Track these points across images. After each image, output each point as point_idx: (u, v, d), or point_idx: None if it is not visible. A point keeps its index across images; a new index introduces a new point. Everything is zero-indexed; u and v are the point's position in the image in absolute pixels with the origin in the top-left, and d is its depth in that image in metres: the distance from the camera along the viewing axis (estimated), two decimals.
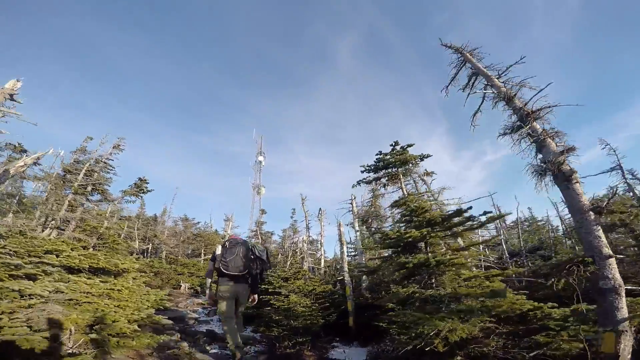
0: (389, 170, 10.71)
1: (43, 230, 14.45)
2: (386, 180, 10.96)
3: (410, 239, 4.97)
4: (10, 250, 8.41)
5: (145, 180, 17.92)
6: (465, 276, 4.71)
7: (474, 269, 7.23)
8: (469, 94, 8.38)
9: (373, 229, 10.70)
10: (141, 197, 18.05)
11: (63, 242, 11.85)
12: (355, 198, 12.01)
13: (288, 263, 19.75)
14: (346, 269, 9.99)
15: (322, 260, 16.64)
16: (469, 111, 7.96)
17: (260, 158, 45.74)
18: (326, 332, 10.54)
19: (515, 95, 6.36)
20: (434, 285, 4.77)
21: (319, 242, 17.46)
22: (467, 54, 8.31)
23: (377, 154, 10.75)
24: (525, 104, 6.01)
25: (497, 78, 7.20)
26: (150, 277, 20.55)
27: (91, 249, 13.17)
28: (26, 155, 10.76)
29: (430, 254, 4.84)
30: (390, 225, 11.28)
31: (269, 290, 12.05)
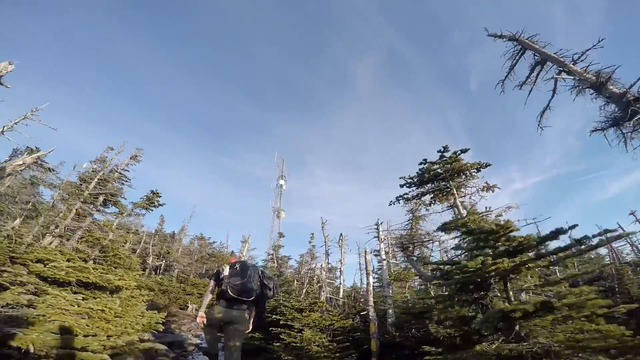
0: (437, 183, 8.91)
1: (50, 238, 13.68)
2: (431, 198, 9.12)
3: (493, 271, 3.44)
4: None
5: (157, 193, 17.09)
6: (552, 318, 3.15)
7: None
8: (531, 88, 7.01)
9: (415, 258, 8.92)
10: (152, 210, 17.15)
11: (60, 251, 10.90)
12: (381, 223, 10.37)
13: (304, 291, 18.12)
14: (371, 302, 8.42)
15: (342, 290, 14.91)
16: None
17: (282, 182, 45.43)
18: None
19: (609, 79, 4.94)
20: (521, 333, 3.22)
21: (339, 270, 15.79)
22: (527, 41, 7.02)
23: (420, 163, 8.96)
24: (630, 88, 4.57)
25: (573, 64, 5.84)
26: (158, 294, 19.36)
27: (91, 262, 12.20)
28: (26, 154, 10.07)
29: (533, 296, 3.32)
30: (444, 253, 9.26)
31: (280, 322, 10.57)
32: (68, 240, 13.49)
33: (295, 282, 23.07)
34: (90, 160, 17.83)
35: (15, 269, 8.53)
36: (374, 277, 21.08)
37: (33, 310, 6.16)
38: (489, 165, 8.54)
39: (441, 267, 4.65)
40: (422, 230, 9.48)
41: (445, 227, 6.45)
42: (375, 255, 11.25)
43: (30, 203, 16.91)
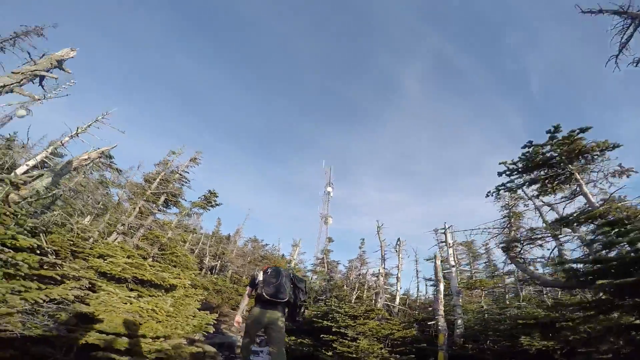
0: (548, 170, 7.21)
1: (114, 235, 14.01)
2: (540, 187, 7.52)
3: None
4: (47, 247, 7.19)
5: (214, 193, 17.12)
6: None
7: None
8: None
9: (523, 260, 7.41)
10: (209, 209, 17.21)
11: (121, 247, 10.91)
12: (449, 227, 8.93)
13: (354, 296, 17.02)
14: (441, 311, 7.17)
15: (398, 297, 13.57)
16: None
17: (329, 189, 45.11)
18: None
19: None
20: None
21: (396, 277, 14.44)
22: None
23: (525, 146, 7.33)
24: None
25: None
26: (212, 294, 19.27)
27: (150, 259, 12.18)
28: (93, 149, 10.16)
29: None
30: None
31: (333, 329, 9.62)
32: (131, 237, 13.69)
33: (345, 286, 22.01)
34: (155, 164, 18.38)
35: (77, 263, 8.32)
36: (430, 284, 19.35)
37: (83, 307, 5.70)
38: (618, 146, 6.70)
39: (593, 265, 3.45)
40: (525, 227, 7.80)
41: (569, 220, 5.14)
42: (445, 262, 9.79)
43: (101, 202, 17.70)
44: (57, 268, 6.52)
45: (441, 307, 7.30)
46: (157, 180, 15.69)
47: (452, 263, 8.33)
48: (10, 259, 4.43)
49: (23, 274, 4.88)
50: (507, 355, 6.51)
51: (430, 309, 13.44)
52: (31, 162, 11.48)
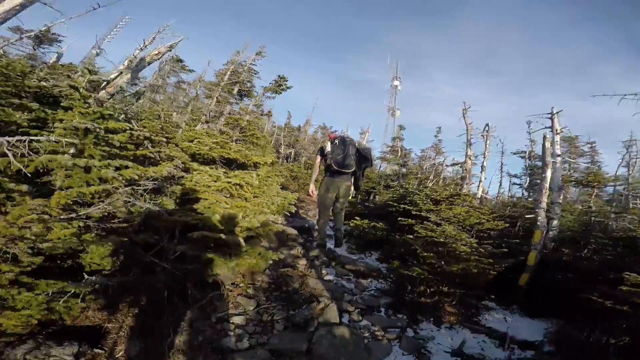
0: None
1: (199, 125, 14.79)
2: None
3: None
4: (139, 132, 7.33)
5: (284, 78, 16.41)
6: None
7: None
8: None
9: None
10: (280, 93, 16.96)
11: (207, 134, 11.22)
12: (558, 112, 6.96)
13: (430, 184, 16.35)
14: (544, 204, 6.07)
15: (480, 189, 12.60)
16: None
17: (396, 82, 41.21)
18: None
19: None
20: None
21: (480, 165, 13.22)
22: None
23: None
24: None
25: None
26: (289, 180, 20.21)
27: (233, 143, 12.55)
28: (161, 45, 9.98)
29: None
30: None
31: (412, 212, 9.09)
32: (215, 124, 14.34)
33: (419, 174, 21.31)
34: (223, 64, 18.24)
35: (170, 149, 8.43)
36: (517, 182, 17.64)
37: (179, 187, 5.73)
38: None
39: None
40: None
41: None
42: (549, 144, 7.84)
43: (182, 100, 18.57)
44: (151, 147, 6.60)
45: (544, 200, 6.09)
46: (228, 74, 15.67)
47: (558, 152, 6.66)
48: (99, 131, 4.22)
49: (118, 152, 4.81)
50: (610, 268, 5.24)
51: (515, 207, 12.17)
52: (112, 75, 12.00)
